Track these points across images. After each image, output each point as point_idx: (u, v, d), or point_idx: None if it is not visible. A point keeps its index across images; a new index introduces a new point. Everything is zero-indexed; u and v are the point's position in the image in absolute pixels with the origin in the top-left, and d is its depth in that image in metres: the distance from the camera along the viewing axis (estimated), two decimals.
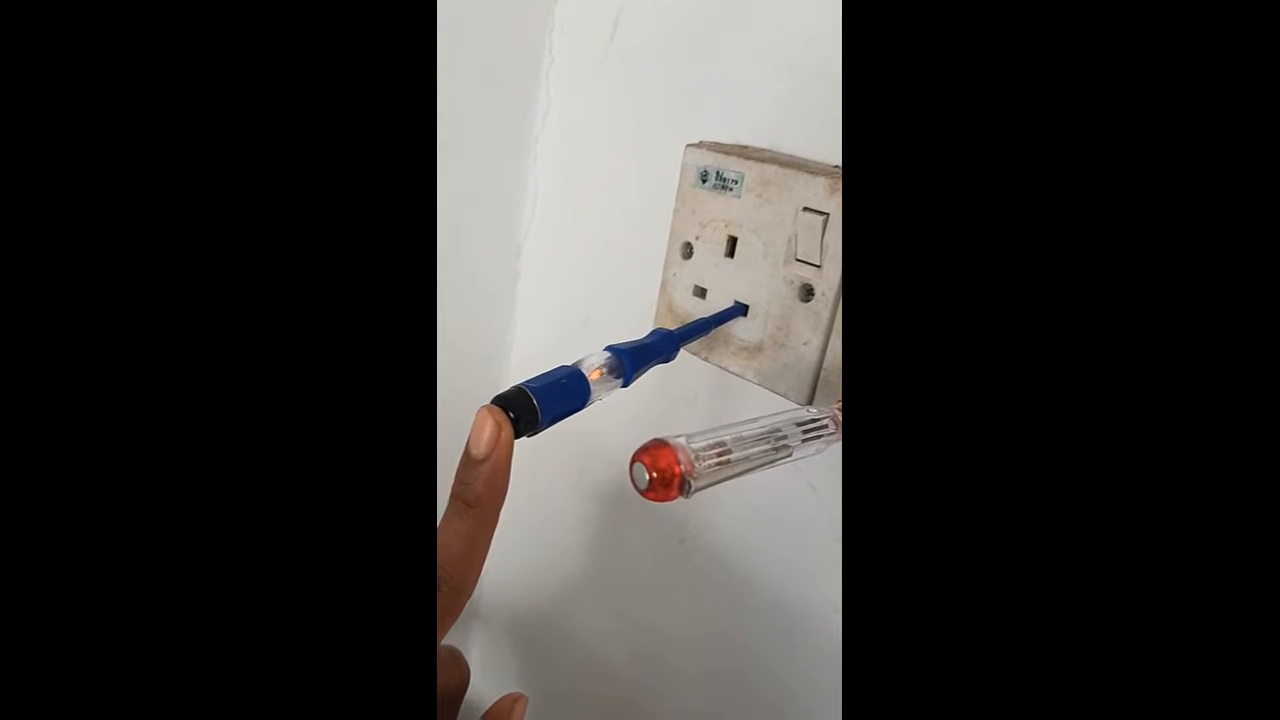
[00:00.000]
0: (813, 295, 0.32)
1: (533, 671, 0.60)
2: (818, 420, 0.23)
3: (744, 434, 0.21)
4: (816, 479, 0.37)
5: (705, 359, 0.36)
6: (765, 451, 0.21)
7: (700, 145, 0.36)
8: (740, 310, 0.34)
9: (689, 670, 0.47)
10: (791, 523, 0.39)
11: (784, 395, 0.33)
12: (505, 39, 0.45)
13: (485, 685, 0.63)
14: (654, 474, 0.19)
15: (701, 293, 0.36)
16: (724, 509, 0.42)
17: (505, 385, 0.57)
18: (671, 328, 0.32)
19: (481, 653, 0.64)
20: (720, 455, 0.20)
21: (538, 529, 0.56)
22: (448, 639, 0.26)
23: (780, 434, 0.22)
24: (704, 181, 0.35)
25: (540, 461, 0.54)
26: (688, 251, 0.36)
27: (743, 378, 0.35)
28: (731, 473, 0.20)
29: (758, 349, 0.34)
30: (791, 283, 0.32)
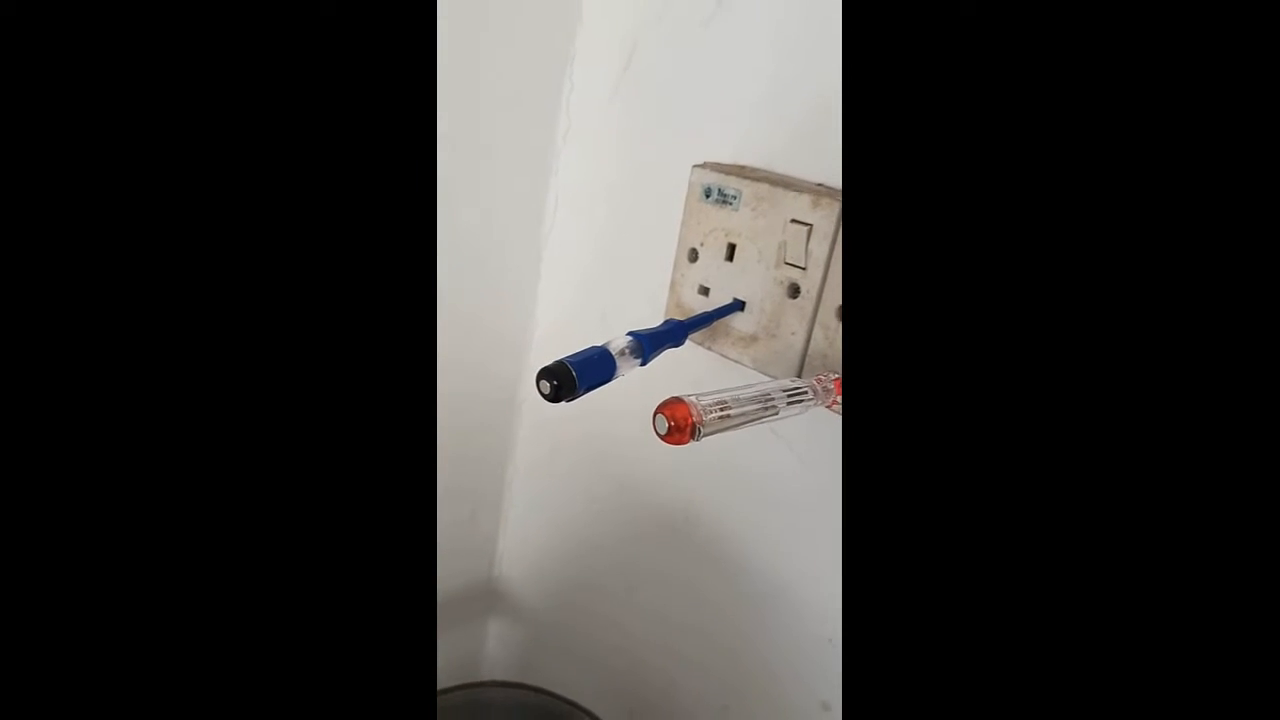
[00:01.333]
0: (799, 293, 0.38)
1: (546, 636, 0.65)
2: (799, 388, 0.29)
3: (741, 395, 0.27)
4: (806, 456, 0.43)
5: (709, 348, 0.42)
6: (757, 409, 0.27)
7: (705, 165, 0.42)
8: (738, 306, 0.40)
9: (693, 630, 0.53)
10: (780, 493, 0.45)
11: (775, 378, 0.39)
12: (530, 69, 0.51)
13: (502, 653, 0.69)
14: (672, 423, 0.25)
15: (705, 291, 0.42)
16: (722, 482, 0.48)
17: (528, 368, 0.63)
18: (680, 319, 0.38)
19: (499, 625, 0.69)
20: (722, 410, 0.26)
21: (555, 509, 0.62)
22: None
23: (770, 397, 0.28)
24: (707, 196, 0.41)
25: (559, 446, 0.60)
26: (693, 256, 0.42)
27: (740, 363, 0.41)
28: (730, 424, 0.26)
29: (753, 339, 0.40)
30: (781, 282, 0.38)
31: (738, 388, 0.27)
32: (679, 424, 0.25)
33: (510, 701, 0.53)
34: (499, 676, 0.56)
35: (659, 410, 0.25)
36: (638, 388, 0.49)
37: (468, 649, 0.67)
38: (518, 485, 0.64)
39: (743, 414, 0.27)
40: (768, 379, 0.29)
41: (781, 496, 0.45)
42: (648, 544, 0.54)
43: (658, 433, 0.26)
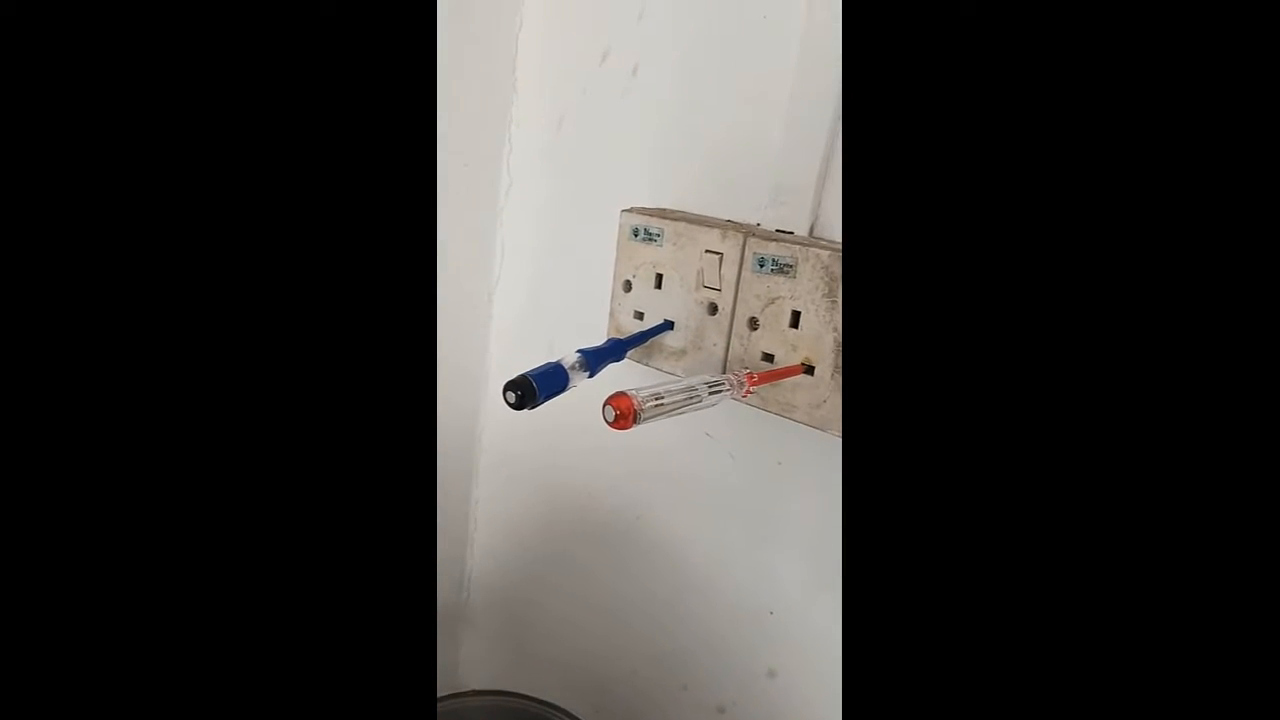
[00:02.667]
0: (717, 310, 0.45)
1: (513, 647, 0.69)
2: (719, 381, 0.36)
3: (672, 388, 0.34)
4: (736, 452, 0.50)
5: (646, 364, 0.49)
6: (685, 398, 0.34)
7: (631, 210, 0.49)
8: (668, 326, 0.47)
9: (648, 621, 0.58)
10: (716, 487, 0.51)
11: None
12: (475, 135, 0.58)
13: (473, 669, 0.72)
14: (618, 411, 0.32)
15: (639, 315, 0.49)
16: (667, 482, 0.55)
17: (486, 398, 0.69)
18: (620, 339, 0.45)
19: (470, 644, 0.73)
20: (657, 400, 0.33)
21: (517, 526, 0.67)
22: None
23: (694, 389, 0.35)
24: (635, 236, 0.48)
25: (519, 469, 0.66)
26: (627, 287, 0.50)
27: (673, 374, 0.48)
28: (664, 411, 0.33)
29: (682, 352, 0.47)
30: (701, 303, 0.46)
31: (669, 382, 0.34)
32: (623, 411, 0.32)
33: (490, 707, 0.57)
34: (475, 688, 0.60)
35: (607, 402, 0.32)
36: (588, 408, 0.56)
37: (442, 666, 0.71)
38: (481, 509, 0.69)
39: (674, 402, 0.33)
40: (693, 377, 0.36)
41: (717, 489, 0.52)
42: (602, 548, 0.60)
43: (606, 420, 0.32)
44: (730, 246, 0.44)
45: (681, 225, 0.46)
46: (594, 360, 0.40)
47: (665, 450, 0.54)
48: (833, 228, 0.43)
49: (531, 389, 0.37)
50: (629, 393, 0.32)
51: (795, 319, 0.41)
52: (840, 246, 0.40)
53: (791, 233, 0.43)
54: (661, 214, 0.48)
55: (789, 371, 0.40)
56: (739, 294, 0.44)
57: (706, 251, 0.45)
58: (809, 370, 0.41)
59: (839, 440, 0.41)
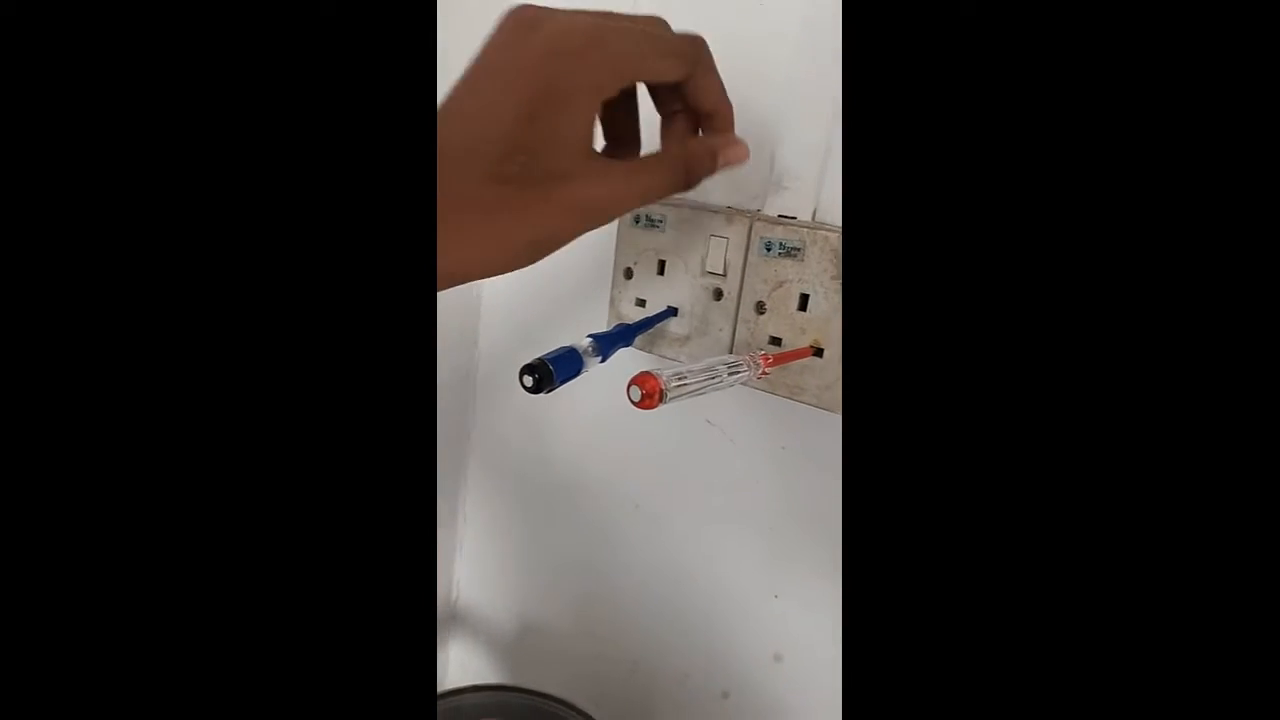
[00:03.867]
0: (722, 295, 0.45)
1: (508, 648, 0.69)
2: (738, 362, 0.36)
3: (693, 369, 0.34)
4: (737, 437, 0.50)
5: (649, 351, 0.49)
6: (706, 379, 0.34)
7: None
8: (672, 312, 0.47)
9: (648, 611, 0.58)
10: (717, 472, 0.52)
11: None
12: None
13: (464, 671, 0.71)
14: (643, 390, 0.31)
15: (641, 303, 0.49)
16: (666, 470, 0.55)
17: (471, 397, 0.68)
18: (626, 324, 0.45)
19: (461, 646, 0.72)
20: (680, 380, 0.33)
21: (509, 524, 0.66)
22: None
23: (715, 369, 0.35)
24: (637, 223, 0.48)
25: (511, 466, 0.65)
26: (629, 274, 0.49)
27: (677, 360, 0.48)
28: (686, 391, 0.33)
29: (687, 339, 0.47)
30: (706, 289, 0.46)
31: (690, 364, 0.34)
32: (649, 391, 0.32)
33: (490, 703, 0.56)
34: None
35: (632, 382, 0.32)
36: (583, 398, 0.55)
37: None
38: (471, 507, 0.68)
39: (697, 382, 0.33)
40: (712, 358, 0.36)
41: (719, 476, 0.52)
42: (599, 539, 0.60)
43: (631, 400, 0.32)
44: (736, 231, 0.44)
45: (685, 211, 0.46)
46: (605, 345, 0.40)
47: (664, 439, 0.54)
48: (836, 213, 0.43)
49: (549, 372, 0.36)
50: (654, 372, 0.32)
51: (803, 302, 0.42)
52: None
53: (794, 218, 0.44)
54: (665, 200, 0.48)
55: (800, 353, 0.41)
56: (745, 278, 0.44)
57: (713, 235, 0.45)
58: (818, 353, 0.41)
59: None
